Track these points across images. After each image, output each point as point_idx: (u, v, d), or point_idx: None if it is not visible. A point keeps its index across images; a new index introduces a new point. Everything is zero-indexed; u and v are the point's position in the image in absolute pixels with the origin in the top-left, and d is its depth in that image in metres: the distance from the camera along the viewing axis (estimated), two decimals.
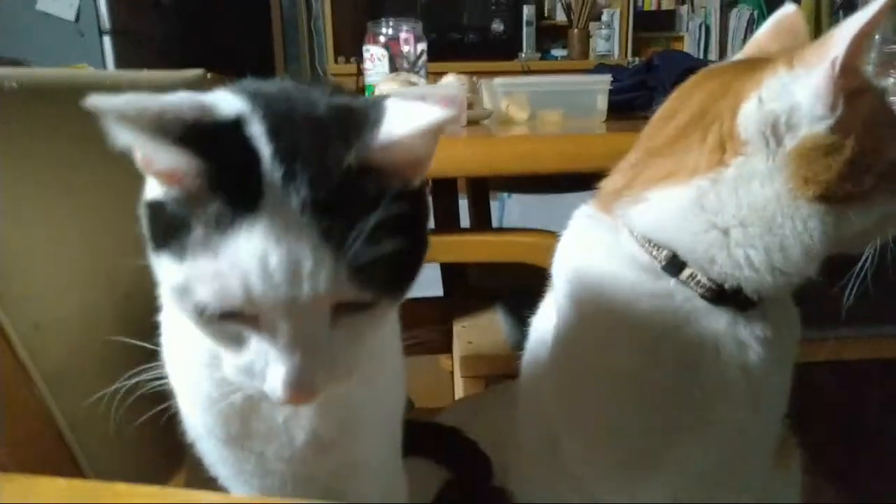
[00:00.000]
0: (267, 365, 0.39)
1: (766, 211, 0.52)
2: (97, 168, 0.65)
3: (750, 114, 0.52)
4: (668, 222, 0.55)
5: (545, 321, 0.68)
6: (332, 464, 0.53)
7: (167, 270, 0.38)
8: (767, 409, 0.59)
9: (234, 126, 0.37)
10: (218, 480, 0.54)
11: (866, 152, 0.51)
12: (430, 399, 1.25)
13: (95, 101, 0.33)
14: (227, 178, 0.36)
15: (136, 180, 0.71)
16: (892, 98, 0.58)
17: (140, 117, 0.34)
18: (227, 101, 0.39)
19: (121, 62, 2.23)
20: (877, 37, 1.15)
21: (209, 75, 0.92)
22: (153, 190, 0.40)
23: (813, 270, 0.54)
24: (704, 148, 0.54)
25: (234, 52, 2.75)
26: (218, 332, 0.40)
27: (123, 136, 0.34)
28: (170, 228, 0.38)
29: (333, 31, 3.14)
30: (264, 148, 0.37)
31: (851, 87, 0.49)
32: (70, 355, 0.57)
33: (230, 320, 0.38)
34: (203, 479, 0.54)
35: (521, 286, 0.75)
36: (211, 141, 0.36)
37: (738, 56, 0.65)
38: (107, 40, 2.25)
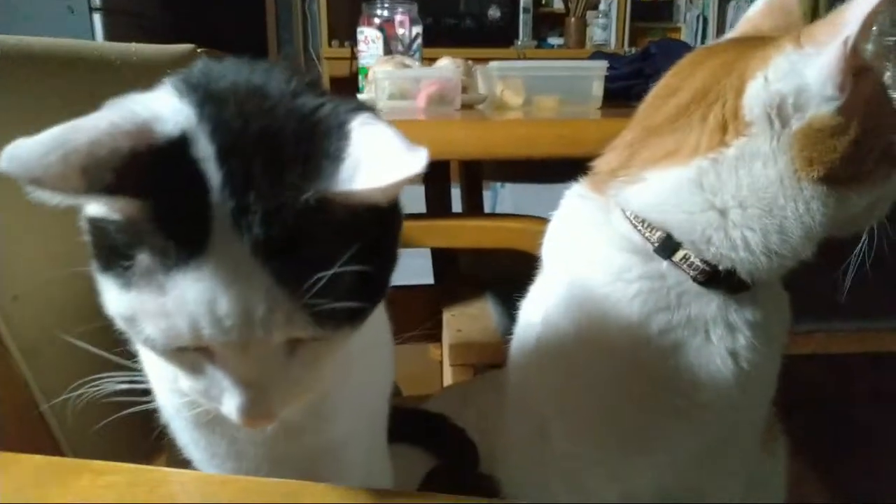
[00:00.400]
0: (222, 392, 0.37)
1: (767, 192, 0.51)
2: None
3: (755, 94, 0.51)
4: (665, 203, 0.54)
5: (534, 305, 0.67)
6: (307, 447, 0.52)
7: (112, 295, 0.35)
8: (755, 393, 0.59)
9: (178, 147, 0.33)
10: (192, 463, 0.54)
11: (868, 133, 0.50)
12: (418, 387, 1.25)
13: (6, 161, 0.29)
14: (170, 214, 0.32)
15: None
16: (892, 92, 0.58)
17: (64, 176, 0.29)
18: (170, 111, 0.34)
19: (111, 41, 2.19)
20: (874, 28, 1.14)
21: (199, 51, 0.90)
22: (93, 206, 0.35)
23: (809, 252, 0.54)
24: (705, 127, 0.53)
25: (227, 34, 2.72)
26: (171, 360, 0.38)
27: (46, 197, 0.30)
28: (113, 254, 0.34)
29: (328, 14, 3.10)
30: (213, 175, 0.32)
31: (857, 66, 0.49)
32: (49, 329, 0.55)
33: (183, 351, 0.36)
34: (179, 462, 0.54)
35: (511, 274, 0.74)
36: (150, 174, 0.31)
37: (732, 34, 0.64)
38: (97, 18, 2.21)
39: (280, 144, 0.34)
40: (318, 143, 0.34)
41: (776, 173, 0.51)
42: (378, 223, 0.36)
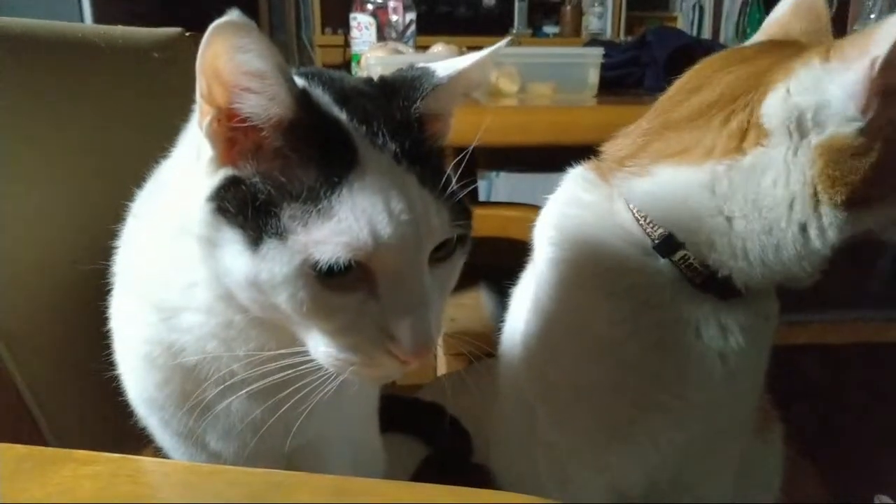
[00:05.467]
0: (390, 325, 0.40)
1: (771, 212, 0.50)
2: (64, 121, 0.62)
3: (775, 104, 0.49)
4: (672, 201, 0.53)
5: (525, 291, 0.67)
6: (288, 447, 0.52)
7: (272, 259, 0.38)
8: (742, 392, 0.59)
9: (305, 94, 0.39)
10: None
11: (892, 156, 0.48)
12: (412, 376, 1.24)
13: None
14: (320, 136, 0.38)
15: (105, 134, 0.68)
16: None
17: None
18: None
19: (100, 23, 2.16)
20: None
21: (187, 35, 0.88)
22: (211, 185, 0.39)
23: (808, 273, 0.52)
24: (724, 131, 0.52)
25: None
26: (333, 314, 0.39)
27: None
28: (258, 213, 0.38)
29: (321, 1, 3.07)
30: (339, 114, 0.40)
31: (887, 86, 0.46)
32: (32, 316, 0.54)
33: (341, 292, 0.39)
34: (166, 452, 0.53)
35: (506, 264, 0.73)
36: (305, 97, 0.39)
37: (759, 36, 0.62)
38: (86, 2, 2.18)
39: (379, 92, 0.44)
40: (413, 78, 0.44)
41: (787, 195, 0.49)
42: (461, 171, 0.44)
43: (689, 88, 0.56)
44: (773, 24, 0.62)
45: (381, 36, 1.48)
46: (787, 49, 0.54)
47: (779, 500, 0.75)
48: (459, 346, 1.11)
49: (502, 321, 0.74)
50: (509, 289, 0.73)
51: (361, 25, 1.48)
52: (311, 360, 0.42)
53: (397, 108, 0.42)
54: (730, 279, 0.53)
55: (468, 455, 0.84)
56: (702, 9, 3.44)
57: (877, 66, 0.45)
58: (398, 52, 1.29)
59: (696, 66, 0.58)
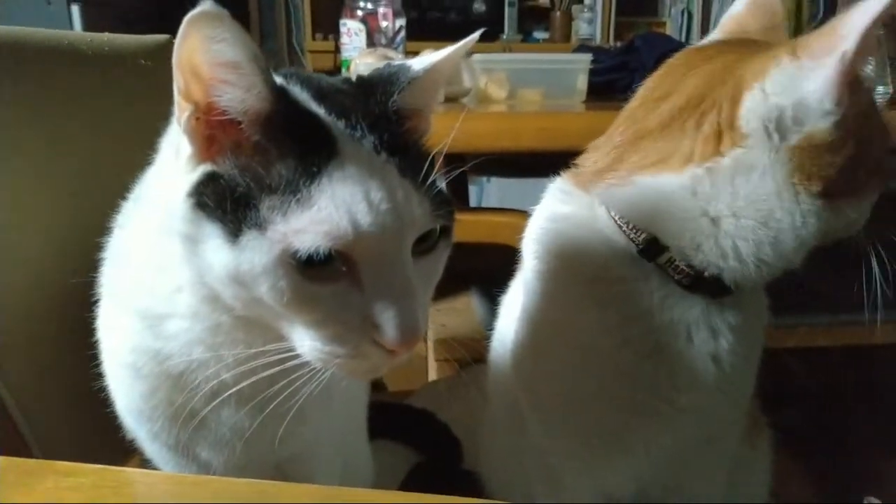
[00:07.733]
0: (376, 316, 0.39)
1: (764, 204, 0.50)
2: (51, 129, 0.62)
3: (753, 106, 0.50)
4: (655, 207, 0.53)
5: (513, 301, 0.67)
6: (277, 456, 0.52)
7: (252, 249, 0.38)
8: (734, 394, 0.58)
9: (283, 90, 0.40)
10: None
11: (861, 147, 0.49)
12: (402, 382, 1.24)
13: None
14: (298, 129, 0.39)
15: (93, 142, 0.68)
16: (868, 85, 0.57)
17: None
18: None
19: (89, 30, 2.14)
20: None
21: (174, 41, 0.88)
22: (190, 181, 0.39)
23: (798, 262, 0.53)
24: (699, 135, 0.52)
25: None
26: (305, 299, 0.39)
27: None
28: (237, 206, 0.38)
29: (311, 7, 3.06)
30: (316, 108, 0.41)
31: (851, 80, 0.47)
32: (17, 327, 0.54)
33: (322, 282, 0.38)
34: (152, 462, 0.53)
35: (496, 269, 0.73)
36: (282, 91, 0.40)
37: (716, 34, 0.63)
38: (75, 9, 2.16)
39: (356, 89, 0.44)
40: (388, 74, 0.44)
41: (774, 186, 0.50)
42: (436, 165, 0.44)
43: (656, 96, 0.56)
44: (729, 21, 0.63)
45: (371, 42, 1.48)
46: (748, 47, 0.54)
47: (768, 502, 0.75)
48: (450, 352, 1.11)
49: (493, 327, 0.74)
50: (500, 295, 0.73)
51: (351, 31, 1.48)
52: (298, 356, 0.41)
53: (375, 103, 0.43)
54: (719, 278, 0.53)
55: (458, 462, 0.84)
56: (690, 14, 3.46)
57: (847, 59, 0.46)
58: (388, 57, 1.29)
59: (659, 72, 0.59)
